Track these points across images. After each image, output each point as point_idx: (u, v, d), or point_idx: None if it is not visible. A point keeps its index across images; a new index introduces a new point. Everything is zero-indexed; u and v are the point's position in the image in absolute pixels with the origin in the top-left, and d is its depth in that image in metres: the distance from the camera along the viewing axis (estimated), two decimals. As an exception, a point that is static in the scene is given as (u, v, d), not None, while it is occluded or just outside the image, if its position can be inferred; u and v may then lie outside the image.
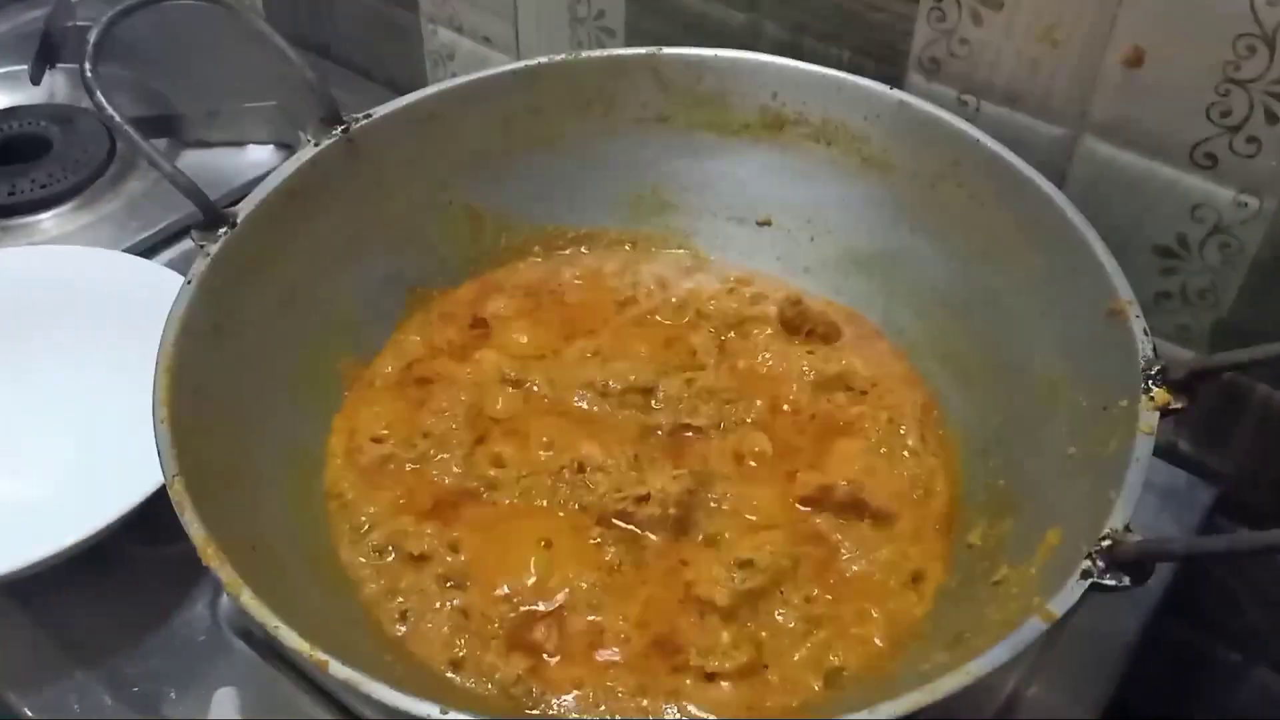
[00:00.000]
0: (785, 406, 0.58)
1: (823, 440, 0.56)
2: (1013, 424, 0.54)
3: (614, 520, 0.53)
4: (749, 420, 0.57)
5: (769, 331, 0.61)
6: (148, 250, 0.75)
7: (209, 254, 0.53)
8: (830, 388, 0.59)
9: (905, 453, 0.56)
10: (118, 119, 0.54)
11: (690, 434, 0.57)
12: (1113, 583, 0.40)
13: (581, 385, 0.58)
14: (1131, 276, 0.50)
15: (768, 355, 0.60)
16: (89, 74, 0.54)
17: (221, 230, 0.54)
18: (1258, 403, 0.60)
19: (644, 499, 0.52)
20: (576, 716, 0.46)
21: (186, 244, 0.76)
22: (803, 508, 0.54)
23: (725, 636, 0.49)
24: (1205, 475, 0.63)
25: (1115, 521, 0.42)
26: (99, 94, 0.54)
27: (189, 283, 0.52)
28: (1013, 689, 0.55)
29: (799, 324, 0.61)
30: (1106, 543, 0.41)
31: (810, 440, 0.57)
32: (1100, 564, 0.40)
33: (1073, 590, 0.40)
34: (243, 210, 0.55)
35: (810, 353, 0.60)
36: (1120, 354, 0.48)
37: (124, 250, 0.72)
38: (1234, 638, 0.69)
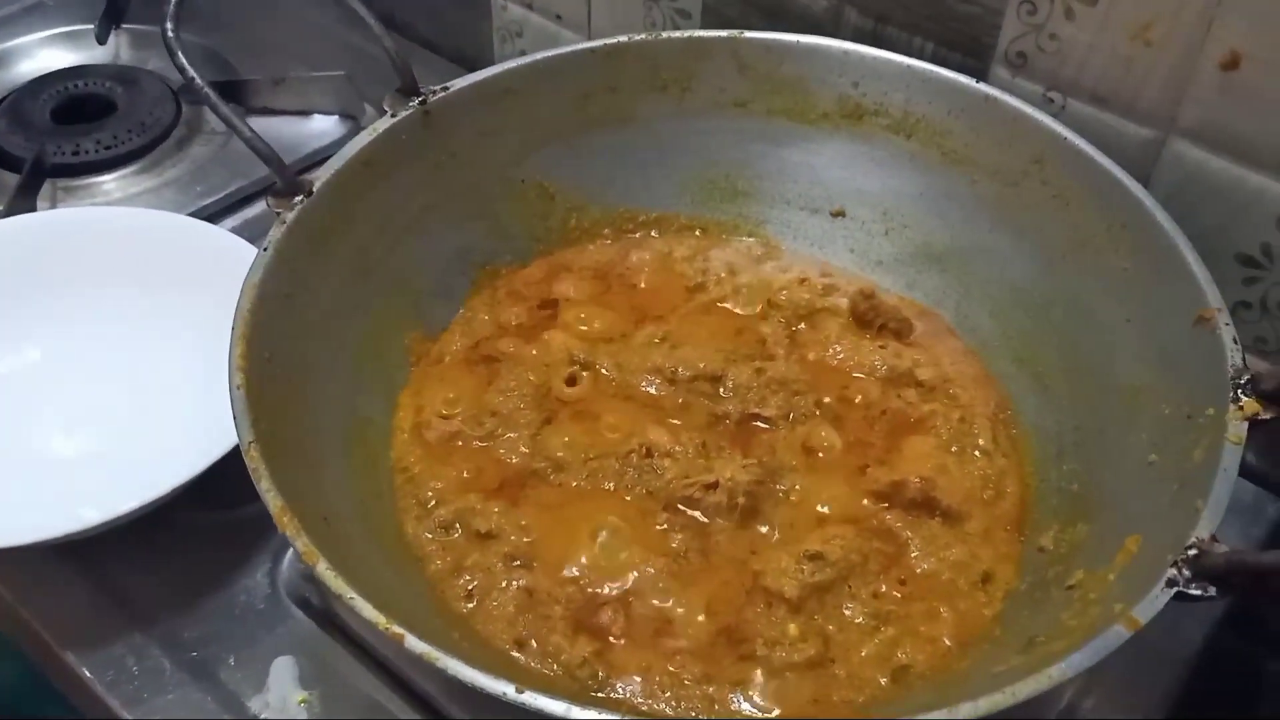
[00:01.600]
0: (856, 400, 0.57)
1: (893, 436, 0.56)
2: (1090, 429, 0.53)
3: (680, 507, 0.53)
4: (819, 413, 0.57)
5: (840, 324, 0.61)
6: (211, 216, 0.75)
7: (285, 221, 0.53)
8: (901, 384, 0.58)
9: (976, 452, 0.55)
10: (199, 82, 0.53)
11: (759, 424, 0.56)
12: (1198, 592, 0.40)
13: (650, 371, 0.58)
14: (1212, 285, 0.49)
15: (839, 348, 0.59)
16: (170, 35, 0.54)
17: (297, 198, 0.53)
18: (1334, 418, 0.59)
19: (712, 487, 0.52)
20: (642, 701, 0.46)
21: (250, 211, 0.77)
22: (873, 503, 0.53)
23: (793, 629, 0.48)
24: (1273, 489, 0.62)
25: (1201, 531, 0.41)
26: (181, 55, 0.53)
27: (265, 250, 0.51)
28: (1069, 700, 0.55)
29: (871, 318, 0.60)
30: (1193, 552, 0.41)
31: (880, 436, 0.56)
32: (1186, 573, 0.40)
33: (1158, 598, 0.40)
34: (319, 178, 0.55)
35: (882, 347, 0.59)
36: (1208, 362, 0.47)
37: (188, 215, 0.71)
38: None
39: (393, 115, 0.58)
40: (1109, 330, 0.53)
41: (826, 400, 0.57)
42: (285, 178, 0.53)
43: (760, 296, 0.62)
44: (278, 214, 0.53)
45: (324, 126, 0.81)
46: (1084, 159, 0.55)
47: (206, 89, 0.54)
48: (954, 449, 0.55)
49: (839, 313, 0.61)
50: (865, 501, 0.53)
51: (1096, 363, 0.54)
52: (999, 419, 0.57)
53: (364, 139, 0.57)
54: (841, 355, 0.59)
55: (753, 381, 0.57)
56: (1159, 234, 0.51)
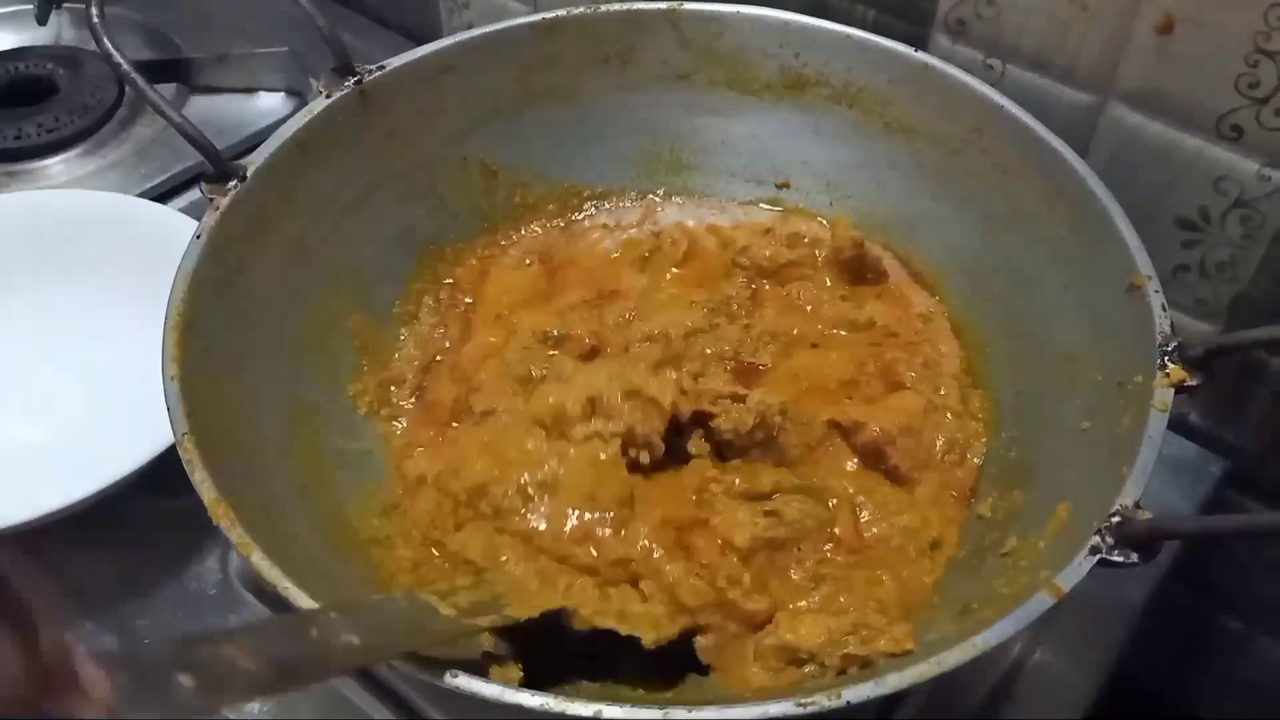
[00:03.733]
0: (819, 345, 0.57)
1: (881, 387, 0.55)
2: (1029, 396, 0.53)
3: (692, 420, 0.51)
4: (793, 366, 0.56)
5: (811, 277, 0.60)
6: (158, 198, 0.74)
7: (218, 208, 0.52)
8: (873, 336, 0.58)
9: (949, 415, 0.54)
10: (125, 66, 0.52)
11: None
12: (1120, 559, 0.40)
13: (631, 340, 0.56)
14: (1151, 248, 0.49)
15: (806, 298, 0.59)
16: (96, 20, 0.53)
17: (231, 183, 0.53)
18: (1273, 377, 0.60)
19: (740, 398, 0.51)
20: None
21: (196, 192, 0.75)
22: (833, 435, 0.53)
23: (747, 578, 0.47)
24: (1216, 448, 0.63)
25: (1125, 498, 0.41)
26: (106, 41, 0.53)
27: (198, 237, 0.51)
28: (1017, 655, 0.56)
29: (857, 267, 0.59)
30: (1116, 519, 0.41)
31: (869, 383, 0.56)
32: (1109, 540, 0.40)
33: (1080, 566, 0.40)
34: (252, 163, 0.54)
35: (843, 298, 0.59)
36: (1138, 329, 0.47)
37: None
38: (1237, 606, 0.69)
39: (328, 96, 0.57)
40: (1047, 298, 0.54)
41: (796, 355, 0.57)
42: (217, 163, 0.53)
43: (719, 259, 0.61)
44: (210, 200, 0.52)
45: (270, 104, 0.80)
46: (1021, 127, 0.55)
47: (135, 75, 0.53)
48: (932, 409, 0.54)
49: (809, 265, 0.60)
50: (844, 465, 0.53)
51: (1036, 330, 0.54)
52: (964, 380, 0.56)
53: (299, 121, 0.56)
54: (811, 308, 0.59)
55: (744, 335, 0.57)
56: (1093, 202, 0.51)
